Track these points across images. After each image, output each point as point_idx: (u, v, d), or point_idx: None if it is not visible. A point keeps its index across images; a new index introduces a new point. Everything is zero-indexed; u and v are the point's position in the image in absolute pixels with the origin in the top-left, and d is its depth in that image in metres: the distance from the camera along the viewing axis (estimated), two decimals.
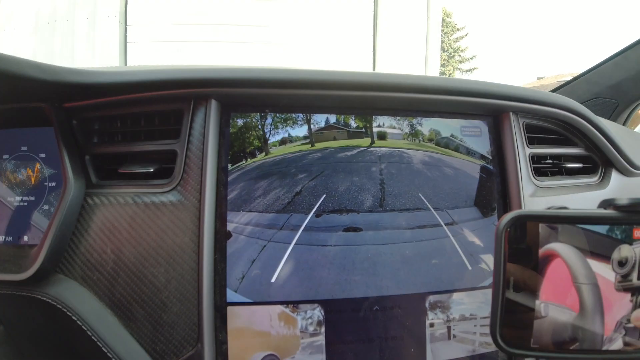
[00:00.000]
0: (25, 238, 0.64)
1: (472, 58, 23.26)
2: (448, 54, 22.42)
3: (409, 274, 0.64)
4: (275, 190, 0.63)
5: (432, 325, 0.65)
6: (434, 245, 0.65)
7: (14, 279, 0.58)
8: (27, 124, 0.66)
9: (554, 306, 0.44)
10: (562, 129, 0.79)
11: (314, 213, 0.63)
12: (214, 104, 0.62)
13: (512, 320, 0.44)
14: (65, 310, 0.58)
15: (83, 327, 0.58)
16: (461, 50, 23.07)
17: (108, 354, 0.57)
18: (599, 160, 0.83)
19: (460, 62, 22.98)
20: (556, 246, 0.45)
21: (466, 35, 22.94)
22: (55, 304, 0.58)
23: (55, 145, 0.62)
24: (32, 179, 0.66)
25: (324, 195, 0.64)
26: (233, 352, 0.60)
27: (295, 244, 0.62)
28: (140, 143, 0.64)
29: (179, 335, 0.59)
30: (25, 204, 0.65)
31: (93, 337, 0.58)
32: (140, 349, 0.59)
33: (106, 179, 0.64)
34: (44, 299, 0.58)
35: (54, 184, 0.65)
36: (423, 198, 0.66)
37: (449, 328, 0.65)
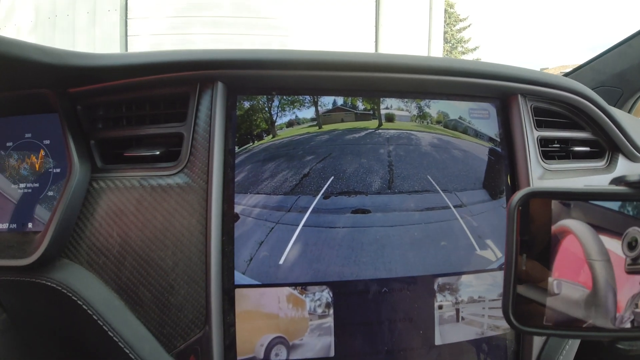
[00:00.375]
0: (30, 225, 0.64)
1: (475, 49, 23.11)
2: (451, 44, 22.27)
3: (418, 256, 0.64)
4: (282, 172, 0.62)
5: (440, 307, 0.64)
6: (443, 228, 0.65)
7: (18, 265, 0.58)
8: (31, 111, 0.65)
9: (566, 283, 0.44)
10: (569, 113, 0.78)
11: (322, 195, 0.62)
12: (220, 87, 0.62)
13: (524, 298, 0.43)
14: (71, 295, 0.58)
15: (89, 311, 0.57)
16: (464, 41, 22.91)
17: (114, 338, 0.57)
18: (606, 145, 0.83)
19: (464, 53, 22.83)
20: (569, 222, 0.44)
21: (469, 26, 22.76)
22: (60, 289, 0.58)
23: (59, 131, 0.62)
24: (37, 166, 0.65)
25: (332, 177, 0.63)
26: (241, 335, 0.59)
27: (303, 225, 0.61)
28: (146, 127, 0.64)
29: (186, 318, 0.58)
30: (30, 191, 0.65)
31: (99, 322, 0.57)
32: (147, 333, 0.59)
33: (112, 163, 0.64)
34: (49, 284, 0.58)
35: (58, 170, 0.65)
36: (431, 180, 0.66)
37: (457, 310, 0.65)
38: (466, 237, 0.66)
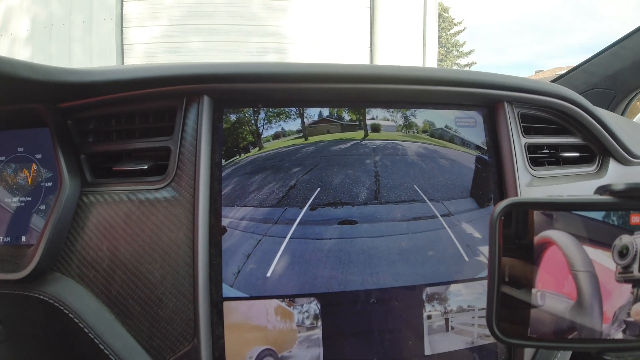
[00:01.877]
0: (23, 238, 0.64)
1: (470, 53, 23.17)
2: (446, 49, 22.30)
3: (406, 266, 0.64)
4: (269, 184, 0.63)
5: (429, 317, 0.64)
6: (430, 237, 0.65)
7: (11, 278, 0.58)
8: (23, 125, 0.66)
9: (550, 295, 0.44)
10: (558, 119, 0.78)
11: (308, 206, 0.63)
12: (206, 100, 0.62)
13: (508, 310, 0.43)
14: (62, 308, 0.58)
15: (80, 324, 0.58)
16: (459, 45, 22.97)
17: (105, 351, 0.57)
18: (596, 149, 0.83)
19: (458, 57, 22.87)
20: (552, 233, 0.44)
21: (464, 29, 22.82)
22: (52, 302, 0.58)
23: (51, 145, 0.62)
24: (29, 180, 0.66)
25: (319, 189, 0.63)
26: (230, 347, 0.59)
27: (291, 237, 0.61)
28: (134, 141, 0.64)
29: (175, 331, 0.58)
30: (23, 204, 0.65)
31: (90, 335, 0.58)
32: (137, 346, 0.59)
33: (101, 177, 0.64)
34: (42, 297, 0.59)
35: (50, 184, 0.65)
36: (418, 190, 0.66)
37: (446, 320, 0.65)
38: (454, 246, 0.66)
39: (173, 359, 0.58)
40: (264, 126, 0.64)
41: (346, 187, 0.64)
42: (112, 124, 0.66)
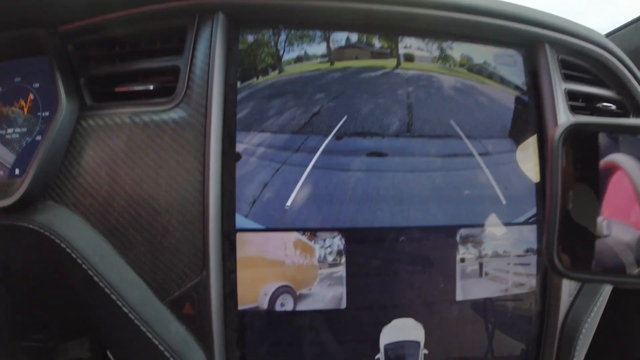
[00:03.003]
0: (17, 171, 0.61)
1: None
2: None
3: (439, 204, 0.59)
4: (290, 110, 0.57)
5: (462, 260, 0.59)
6: (466, 176, 0.60)
7: None
8: (21, 54, 0.62)
9: (617, 224, 0.39)
10: (595, 69, 0.74)
11: (333, 135, 0.57)
12: (221, 18, 0.56)
13: (570, 240, 0.38)
14: (54, 238, 0.53)
15: (73, 254, 0.52)
16: None
17: (100, 283, 0.52)
18: (629, 107, 0.78)
19: None
20: (618, 157, 0.40)
21: None
22: (42, 231, 0.53)
23: (49, 73, 0.58)
24: (25, 110, 0.62)
25: (345, 117, 0.57)
26: (242, 282, 0.54)
27: (313, 167, 0.56)
28: (140, 61, 0.58)
29: (181, 263, 0.53)
30: (17, 135, 0.62)
31: (84, 266, 0.52)
32: (137, 278, 0.53)
33: (103, 101, 0.58)
34: (32, 226, 0.53)
35: (47, 113, 0.61)
36: (455, 125, 0.60)
37: (480, 265, 0.60)
38: (491, 188, 0.61)
39: (178, 293, 0.53)
40: (285, 49, 0.58)
41: (376, 117, 0.58)
42: (116, 48, 0.60)
